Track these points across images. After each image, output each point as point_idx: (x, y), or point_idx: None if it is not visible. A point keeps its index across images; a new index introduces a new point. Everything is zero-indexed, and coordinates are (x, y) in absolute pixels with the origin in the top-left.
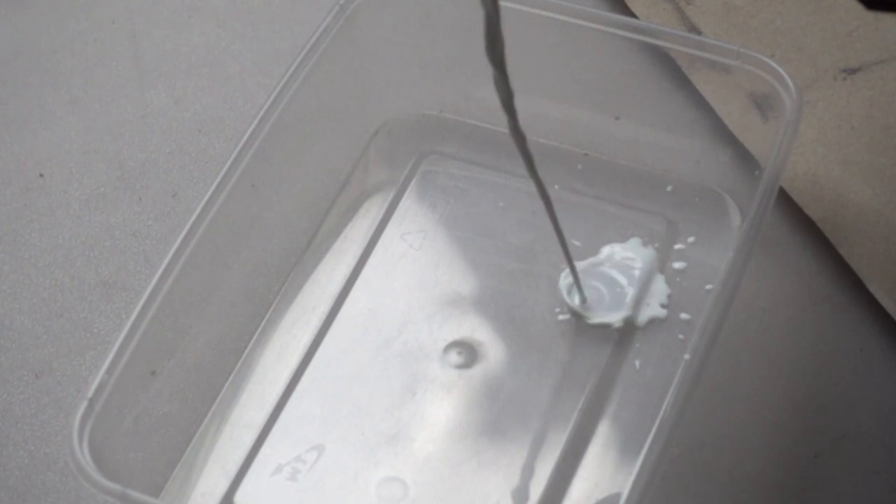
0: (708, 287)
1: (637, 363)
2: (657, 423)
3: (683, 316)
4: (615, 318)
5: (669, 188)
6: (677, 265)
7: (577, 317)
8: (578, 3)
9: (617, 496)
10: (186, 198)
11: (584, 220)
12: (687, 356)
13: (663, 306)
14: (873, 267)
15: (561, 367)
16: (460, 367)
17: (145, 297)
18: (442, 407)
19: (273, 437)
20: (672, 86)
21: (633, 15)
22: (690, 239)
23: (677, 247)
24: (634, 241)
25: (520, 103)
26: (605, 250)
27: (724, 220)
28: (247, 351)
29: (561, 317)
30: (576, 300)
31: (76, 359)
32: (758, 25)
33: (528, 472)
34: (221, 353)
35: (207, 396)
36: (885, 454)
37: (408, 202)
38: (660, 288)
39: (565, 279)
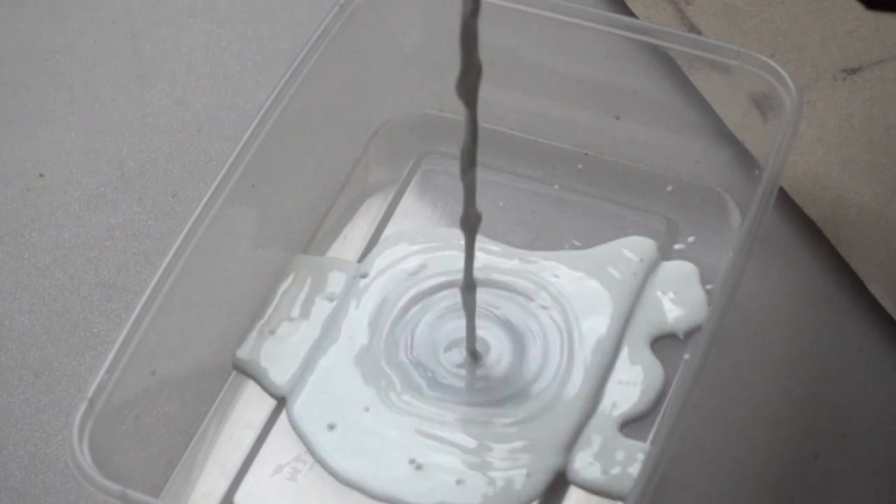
0: (708, 287)
1: None
2: (657, 422)
3: None
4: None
5: (669, 188)
6: None
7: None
8: (578, 3)
9: (617, 496)
10: (186, 198)
11: (584, 220)
12: (687, 356)
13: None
14: (873, 267)
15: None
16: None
17: (145, 297)
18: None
19: (273, 437)
20: (672, 86)
21: (633, 15)
22: (690, 239)
23: (677, 247)
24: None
25: (520, 103)
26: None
27: (724, 220)
28: None
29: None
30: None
31: (76, 359)
32: (758, 25)
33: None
34: (221, 353)
35: (207, 396)
36: (885, 454)
37: (408, 202)
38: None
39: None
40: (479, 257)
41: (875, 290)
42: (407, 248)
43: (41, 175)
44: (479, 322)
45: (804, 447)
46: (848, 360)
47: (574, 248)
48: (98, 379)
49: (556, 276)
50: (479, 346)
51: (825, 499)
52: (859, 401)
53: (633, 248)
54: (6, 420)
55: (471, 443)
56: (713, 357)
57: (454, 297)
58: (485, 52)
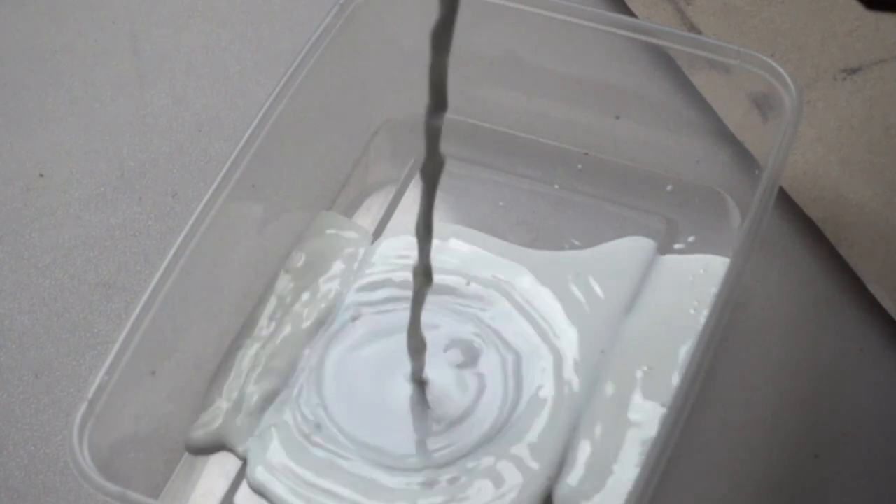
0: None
1: None
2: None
3: None
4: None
5: (669, 188)
6: None
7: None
8: (578, 3)
9: (618, 496)
10: (186, 198)
11: (584, 220)
12: None
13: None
14: (873, 267)
15: None
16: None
17: (145, 297)
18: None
19: None
20: (672, 86)
21: (633, 15)
22: (690, 239)
23: (677, 247)
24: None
25: (520, 103)
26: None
27: (724, 220)
28: None
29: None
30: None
31: (76, 359)
32: (758, 25)
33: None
34: (221, 354)
35: (207, 396)
36: (885, 454)
37: (408, 202)
38: None
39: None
40: (478, 255)
41: (875, 290)
42: (405, 249)
43: (41, 175)
44: (476, 325)
45: (804, 447)
46: (848, 360)
47: (574, 247)
48: (98, 379)
49: (553, 276)
50: (469, 355)
51: (825, 499)
52: (859, 401)
53: (633, 248)
54: (6, 420)
55: (459, 465)
56: (713, 357)
57: (456, 298)
58: (485, 52)
